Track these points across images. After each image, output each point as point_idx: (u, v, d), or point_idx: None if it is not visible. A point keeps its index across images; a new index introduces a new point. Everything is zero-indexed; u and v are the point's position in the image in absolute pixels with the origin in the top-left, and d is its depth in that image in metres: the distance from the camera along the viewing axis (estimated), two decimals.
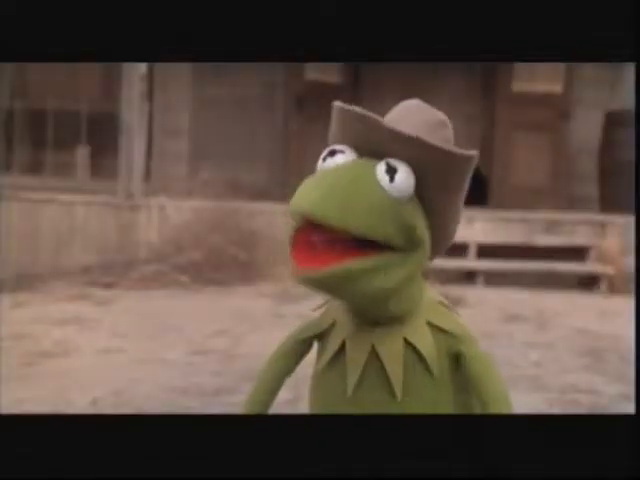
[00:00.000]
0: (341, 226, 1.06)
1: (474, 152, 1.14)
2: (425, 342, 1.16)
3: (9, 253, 5.37)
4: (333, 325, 1.22)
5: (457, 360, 1.17)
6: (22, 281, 5.39)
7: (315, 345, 1.26)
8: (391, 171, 1.10)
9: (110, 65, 7.85)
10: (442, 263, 6.27)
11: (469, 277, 6.72)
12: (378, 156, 1.12)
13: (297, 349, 1.26)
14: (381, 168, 1.11)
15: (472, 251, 6.76)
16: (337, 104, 1.15)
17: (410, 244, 1.11)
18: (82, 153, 8.50)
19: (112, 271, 5.99)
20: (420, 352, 1.15)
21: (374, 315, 1.16)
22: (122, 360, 3.53)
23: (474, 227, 6.81)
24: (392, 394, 1.14)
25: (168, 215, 6.46)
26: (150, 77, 7.65)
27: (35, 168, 8.60)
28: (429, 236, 1.15)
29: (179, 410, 2.75)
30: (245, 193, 6.84)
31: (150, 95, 7.75)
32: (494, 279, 6.61)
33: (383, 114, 1.22)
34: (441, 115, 1.20)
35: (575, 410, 2.90)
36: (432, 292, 1.23)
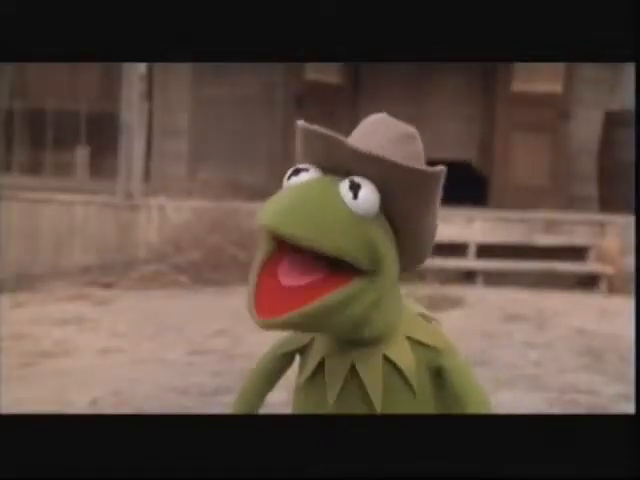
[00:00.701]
0: (308, 243, 1.05)
1: (439, 168, 1.12)
2: (405, 358, 1.16)
3: (9, 253, 5.37)
4: (313, 340, 1.22)
5: (438, 373, 1.18)
6: (22, 281, 5.39)
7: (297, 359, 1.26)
8: (354, 187, 1.09)
9: (110, 65, 7.85)
10: (442, 263, 6.27)
11: (468, 277, 6.72)
12: (343, 174, 1.11)
13: (277, 364, 1.25)
14: (345, 185, 1.10)
15: (472, 251, 6.76)
16: (299, 124, 1.14)
17: (374, 264, 1.10)
18: (81, 153, 8.50)
19: (112, 271, 6.00)
20: (400, 368, 1.15)
21: (350, 339, 1.16)
22: (122, 360, 3.53)
23: (473, 227, 6.81)
24: (372, 410, 1.15)
25: (167, 215, 6.46)
26: (150, 77, 7.65)
27: (35, 168, 8.60)
28: (397, 253, 1.14)
29: (179, 410, 2.75)
30: (244, 193, 6.84)
31: (150, 95, 7.75)
32: (493, 279, 6.61)
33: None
34: (409, 128, 1.19)
35: (575, 410, 2.90)
36: (411, 304, 1.23)
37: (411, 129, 1.19)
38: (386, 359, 1.15)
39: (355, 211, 1.09)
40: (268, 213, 1.08)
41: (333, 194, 1.09)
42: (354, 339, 1.15)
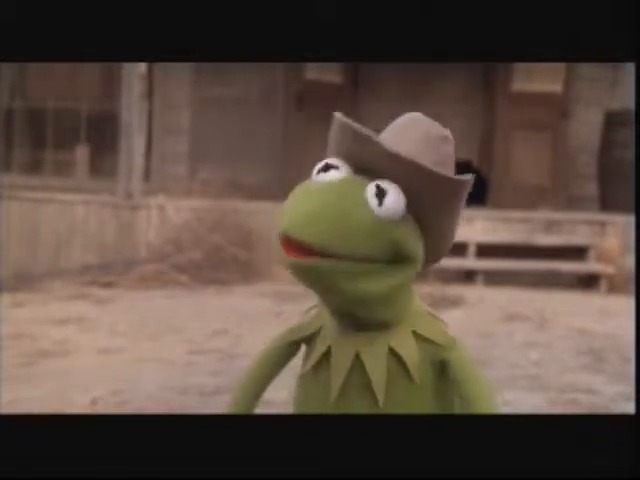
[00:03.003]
0: (333, 250, 1.07)
1: (469, 177, 1.13)
2: (409, 351, 1.16)
3: (9, 253, 5.37)
4: (320, 330, 1.22)
5: (442, 368, 1.18)
6: (22, 281, 5.39)
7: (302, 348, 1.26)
8: (380, 194, 1.09)
9: (110, 65, 7.85)
10: (442, 263, 6.26)
11: (469, 276, 6.73)
12: (371, 173, 1.11)
13: (283, 352, 1.25)
14: (371, 190, 1.10)
15: (472, 250, 6.76)
16: (337, 115, 1.14)
17: (401, 259, 1.12)
18: (82, 152, 8.50)
19: (112, 271, 6.00)
20: (404, 360, 1.16)
21: (359, 319, 1.16)
22: (122, 360, 3.53)
23: (474, 227, 6.81)
24: (375, 401, 1.15)
25: (167, 215, 6.46)
26: (150, 77, 7.66)
27: (35, 167, 8.61)
28: (423, 249, 1.15)
29: (179, 410, 2.74)
30: (244, 193, 6.85)
31: (150, 95, 7.75)
32: (493, 279, 6.61)
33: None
34: (443, 130, 1.19)
35: (575, 410, 2.90)
36: (420, 303, 1.24)
37: (445, 131, 1.19)
38: (390, 350, 1.16)
39: (380, 216, 1.09)
40: (289, 220, 1.08)
41: (357, 200, 1.09)
42: (363, 319, 1.15)
